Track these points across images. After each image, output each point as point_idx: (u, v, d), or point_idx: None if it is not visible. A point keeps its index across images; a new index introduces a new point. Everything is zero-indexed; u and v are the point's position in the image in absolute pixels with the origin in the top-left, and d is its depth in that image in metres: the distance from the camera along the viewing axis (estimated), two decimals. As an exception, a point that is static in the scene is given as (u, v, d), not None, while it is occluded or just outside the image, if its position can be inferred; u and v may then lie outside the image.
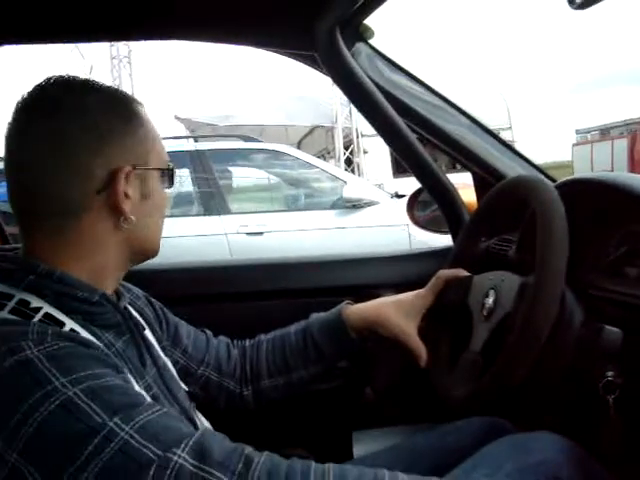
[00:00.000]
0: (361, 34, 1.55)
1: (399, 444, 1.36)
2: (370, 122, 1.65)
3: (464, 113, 1.71)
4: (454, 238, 1.79)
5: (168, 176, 1.05)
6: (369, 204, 5.53)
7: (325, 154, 11.99)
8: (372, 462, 1.32)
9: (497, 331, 1.14)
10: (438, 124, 1.67)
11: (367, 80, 1.55)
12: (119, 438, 0.76)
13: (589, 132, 29.70)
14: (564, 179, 1.45)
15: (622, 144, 26.11)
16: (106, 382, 0.81)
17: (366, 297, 1.63)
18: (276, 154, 6.15)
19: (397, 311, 1.34)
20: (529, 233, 1.53)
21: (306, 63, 1.62)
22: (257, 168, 6.53)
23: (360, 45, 1.57)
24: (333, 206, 5.72)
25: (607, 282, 1.26)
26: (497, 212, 1.35)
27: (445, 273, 1.35)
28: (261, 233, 5.37)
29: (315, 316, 1.40)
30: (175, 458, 0.77)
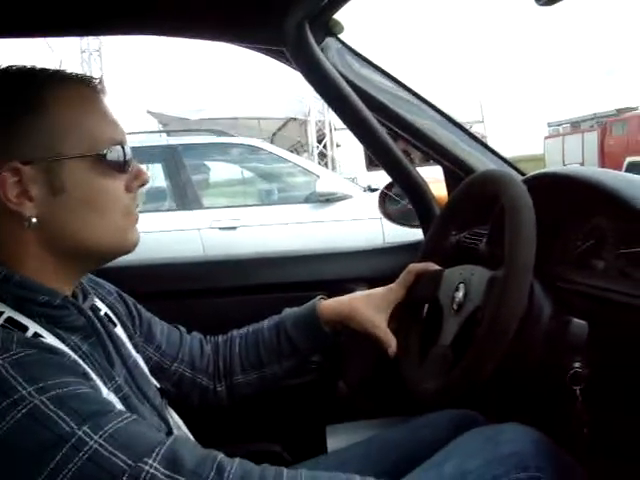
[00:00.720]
0: (331, 29, 1.55)
1: (372, 437, 1.37)
2: (340, 117, 1.65)
3: (434, 107, 1.72)
4: (425, 232, 1.80)
5: (107, 163, 0.95)
6: (342, 198, 5.54)
7: (298, 147, 11.98)
8: (345, 456, 1.33)
9: (467, 325, 1.15)
10: (408, 118, 1.68)
11: (337, 75, 1.54)
12: (88, 447, 0.75)
13: (560, 125, 29.98)
14: (533, 173, 1.47)
15: (592, 137, 26.45)
16: (74, 390, 0.80)
17: (339, 292, 1.63)
18: (249, 148, 6.14)
19: (368, 305, 1.34)
20: (499, 227, 1.55)
21: (276, 58, 1.61)
22: (230, 162, 6.52)
23: (330, 40, 1.57)
24: (306, 200, 5.73)
25: (575, 274, 1.28)
26: (467, 206, 1.36)
27: (416, 267, 1.35)
28: (234, 228, 5.36)
29: (288, 311, 1.40)
30: (147, 468, 0.77)
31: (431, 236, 1.44)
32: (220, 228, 5.35)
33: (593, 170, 1.39)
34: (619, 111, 26.69)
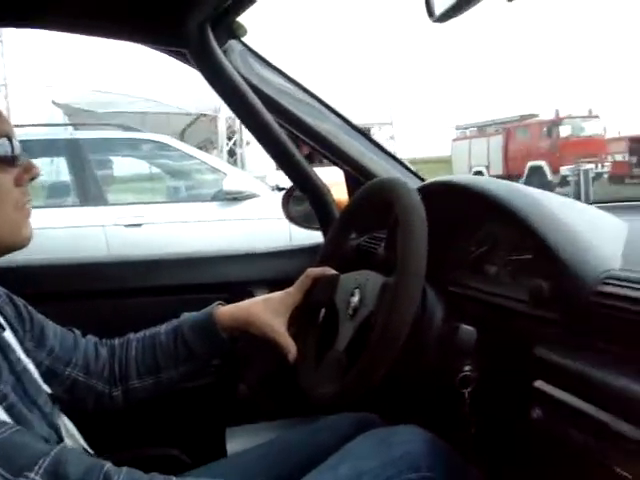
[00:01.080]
0: (234, 31, 1.54)
1: (272, 440, 1.37)
2: (241, 119, 1.64)
3: (336, 112, 1.74)
4: (325, 235, 1.83)
5: None
6: (249, 197, 5.50)
7: (208, 144, 11.84)
8: (245, 458, 1.33)
9: (361, 330, 1.17)
10: (310, 122, 1.69)
11: (238, 77, 1.54)
12: None
13: (467, 128, 30.87)
14: (429, 181, 1.51)
15: (497, 141, 27.41)
16: None
17: (241, 294, 1.63)
18: (156, 144, 6.02)
19: (266, 309, 1.34)
20: (395, 233, 1.59)
21: (177, 58, 1.59)
22: (136, 158, 6.38)
23: (233, 42, 1.56)
24: (213, 198, 5.65)
25: (469, 279, 1.32)
26: (365, 211, 1.38)
27: (313, 271, 1.36)
28: (139, 225, 5.25)
29: (186, 315, 1.39)
30: None
31: (329, 240, 1.46)
32: (125, 225, 5.22)
33: (486, 180, 1.44)
34: (522, 117, 27.76)
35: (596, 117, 25.74)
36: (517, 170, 26.11)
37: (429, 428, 1.16)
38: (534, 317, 1.12)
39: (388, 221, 1.47)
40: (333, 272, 1.35)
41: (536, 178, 25.07)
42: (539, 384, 1.04)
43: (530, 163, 25.66)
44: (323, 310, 1.35)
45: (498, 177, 24.37)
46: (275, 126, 1.61)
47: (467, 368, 1.16)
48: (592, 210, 1.33)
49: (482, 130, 29.50)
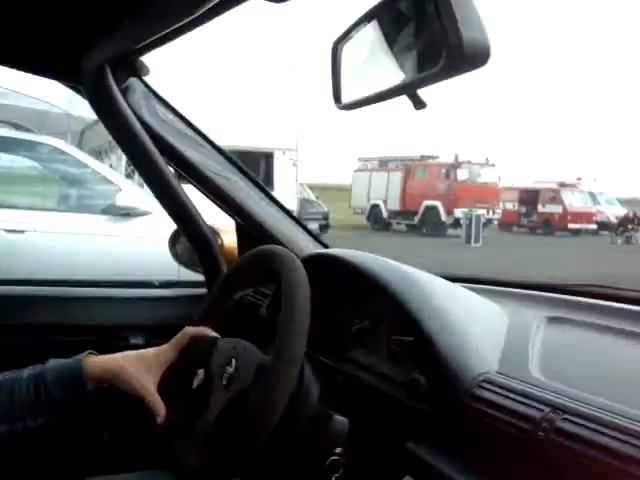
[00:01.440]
0: (136, 70, 1.47)
1: None
2: (130, 158, 1.56)
3: (237, 165, 1.69)
4: (209, 287, 1.76)
5: None
6: (142, 214, 5.29)
7: (107, 149, 11.47)
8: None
9: (234, 403, 1.12)
10: (206, 173, 1.63)
11: (132, 117, 1.46)
12: None
13: (369, 161, 31.57)
14: (316, 252, 1.49)
15: (397, 176, 28.19)
16: None
17: (113, 338, 1.55)
18: (48, 147, 5.73)
19: (138, 365, 1.27)
20: (279, 299, 1.55)
21: (74, 90, 1.50)
22: (26, 160, 6.06)
23: (133, 80, 1.49)
24: (104, 211, 5.41)
25: (349, 352, 1.30)
26: (252, 274, 1.34)
27: (191, 330, 1.30)
28: (22, 231, 4.97)
29: (52, 362, 1.30)
30: None
31: (213, 297, 1.40)
32: (6, 230, 4.94)
33: (371, 258, 1.43)
34: (423, 157, 28.71)
35: (492, 165, 26.98)
36: (413, 207, 26.95)
37: None
38: (410, 409, 1.11)
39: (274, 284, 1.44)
40: (212, 334, 1.29)
41: (430, 217, 25.95)
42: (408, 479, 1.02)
43: (426, 202, 26.54)
44: (199, 373, 1.29)
45: (394, 212, 24.95)
46: (163, 167, 1.54)
47: (338, 451, 1.13)
48: (475, 298, 1.33)
49: (383, 164, 30.25)
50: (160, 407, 1.24)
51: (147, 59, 1.45)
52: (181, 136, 1.59)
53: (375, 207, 28.65)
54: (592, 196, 29.14)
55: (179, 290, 1.94)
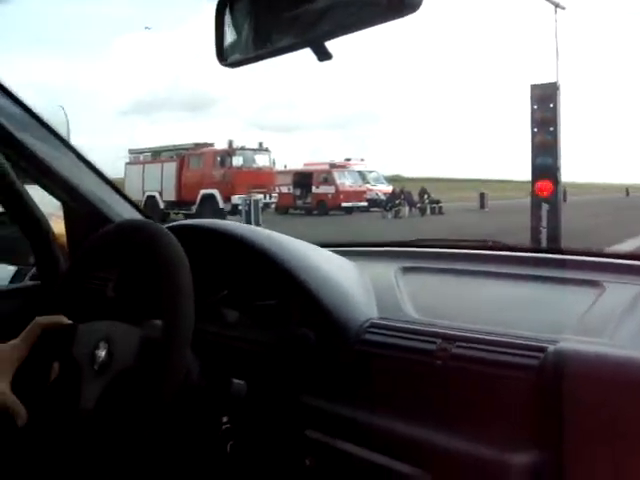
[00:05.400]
0: None
1: None
2: None
3: (61, 138, 1.57)
4: (43, 275, 1.63)
5: None
6: None
7: None
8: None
9: (114, 386, 1.06)
10: (30, 147, 1.50)
11: None
12: None
13: (142, 153, 30.70)
14: (172, 224, 1.44)
15: (172, 167, 27.69)
16: None
17: None
18: None
19: None
20: (130, 274, 1.48)
21: None
22: None
23: None
24: None
25: (207, 324, 1.28)
26: (110, 252, 1.26)
27: (42, 320, 1.19)
28: None
29: None
30: None
31: (64, 282, 1.30)
32: None
33: (228, 223, 1.42)
34: (197, 145, 28.45)
35: (266, 150, 27.45)
36: (190, 197, 26.68)
37: None
38: (296, 365, 1.12)
39: (120, 259, 1.37)
40: (67, 321, 1.19)
41: (208, 206, 25.87)
42: (310, 433, 1.04)
43: (203, 191, 26.40)
44: (54, 366, 1.19)
45: (171, 203, 24.34)
46: None
47: (225, 420, 1.12)
48: (337, 257, 1.38)
49: (156, 155, 29.58)
50: (19, 408, 1.13)
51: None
52: (4, 111, 1.44)
53: (151, 198, 27.95)
54: (362, 175, 30.89)
55: (7, 284, 1.77)
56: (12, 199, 1.54)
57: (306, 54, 0.79)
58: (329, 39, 0.76)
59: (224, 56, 0.88)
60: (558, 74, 10.25)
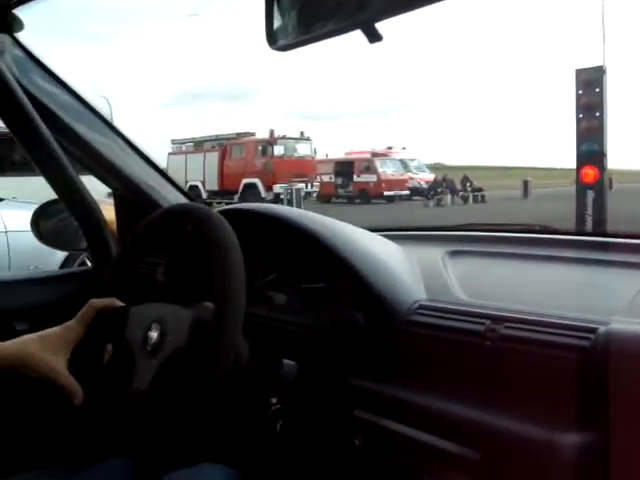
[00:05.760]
0: (8, 25, 1.35)
1: None
2: (5, 120, 1.42)
3: (116, 130, 1.61)
4: (95, 258, 1.67)
5: None
6: None
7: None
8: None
9: (166, 367, 1.09)
10: (84, 135, 1.54)
11: (8, 75, 1.34)
12: None
13: (184, 143, 31.01)
14: (225, 207, 1.46)
15: (214, 157, 27.94)
16: None
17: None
18: None
19: (43, 347, 1.17)
20: (180, 258, 1.51)
21: None
22: None
23: (5, 38, 1.36)
24: None
25: (255, 308, 1.30)
26: (158, 237, 1.28)
27: (97, 303, 1.22)
28: None
29: None
30: None
31: (117, 266, 1.33)
32: None
33: (277, 207, 1.44)
34: (239, 135, 28.61)
35: (308, 139, 27.48)
36: (232, 186, 26.86)
37: (231, 464, 1.12)
38: (345, 347, 1.14)
39: (170, 244, 1.39)
40: (120, 304, 1.22)
41: (250, 195, 26.03)
42: (358, 413, 1.05)
43: (245, 180, 26.57)
44: (108, 348, 1.23)
45: (213, 192, 24.52)
46: (46, 134, 1.43)
47: (274, 400, 1.13)
48: (385, 240, 1.39)
49: (199, 145, 29.85)
50: (75, 387, 1.17)
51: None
52: (57, 100, 1.48)
53: (194, 188, 28.26)
54: (403, 164, 30.72)
55: (62, 269, 1.82)
56: (66, 187, 1.59)
57: (351, 38, 0.80)
58: (379, 20, 0.76)
59: (274, 40, 0.89)
60: (605, 58, 10.03)
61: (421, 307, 1.08)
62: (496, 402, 0.92)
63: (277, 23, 0.89)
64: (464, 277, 1.21)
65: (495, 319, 0.97)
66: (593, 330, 0.87)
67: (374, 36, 0.77)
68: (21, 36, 1.39)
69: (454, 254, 1.35)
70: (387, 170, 29.63)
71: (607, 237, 1.37)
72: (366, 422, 1.04)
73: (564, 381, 0.87)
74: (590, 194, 9.25)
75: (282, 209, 1.41)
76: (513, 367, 0.93)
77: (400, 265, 1.24)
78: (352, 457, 1.05)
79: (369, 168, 29.67)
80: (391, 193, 28.57)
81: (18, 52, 1.41)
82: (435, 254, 1.34)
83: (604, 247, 1.29)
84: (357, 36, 0.78)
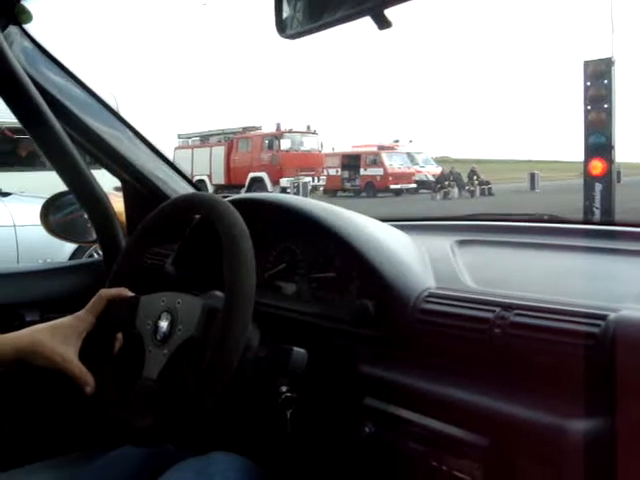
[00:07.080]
0: (16, 16, 1.35)
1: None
2: (15, 113, 1.43)
3: (124, 121, 1.62)
4: (104, 250, 1.68)
5: None
6: None
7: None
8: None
9: (177, 356, 1.09)
10: (92, 127, 1.55)
11: (19, 68, 1.34)
12: None
13: (190, 137, 31.03)
14: (235, 197, 1.47)
15: (220, 151, 27.96)
16: None
17: (8, 318, 1.44)
18: None
19: (54, 337, 1.18)
20: (189, 248, 1.52)
21: None
22: None
23: (13, 29, 1.36)
24: None
25: (265, 297, 1.30)
26: (167, 227, 1.29)
27: (107, 293, 1.22)
28: None
29: None
30: None
31: (126, 256, 1.33)
32: None
33: (287, 197, 1.44)
34: (245, 129, 28.59)
35: (314, 133, 27.45)
36: (239, 180, 26.87)
37: (245, 453, 1.12)
38: (354, 335, 1.14)
39: (179, 234, 1.39)
40: (130, 294, 1.23)
41: (257, 188, 26.04)
42: (368, 401, 1.06)
43: (251, 174, 26.58)
44: (118, 337, 1.23)
45: (220, 186, 24.51)
46: (54, 123, 1.43)
47: (284, 389, 1.14)
48: (393, 229, 1.39)
49: (205, 140, 29.85)
50: (86, 376, 1.18)
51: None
52: (66, 92, 1.49)
53: (200, 182, 28.27)
54: (410, 157, 30.67)
55: (71, 261, 1.83)
56: (75, 179, 1.59)
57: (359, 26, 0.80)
58: (388, 7, 0.76)
59: (283, 28, 0.89)
60: (613, 49, 9.97)
61: (431, 295, 1.08)
62: (505, 389, 0.92)
63: (286, 11, 0.89)
64: (473, 266, 1.21)
65: (505, 306, 0.97)
66: (603, 317, 0.87)
67: (383, 23, 0.78)
68: (30, 27, 1.39)
69: (463, 243, 1.35)
70: (394, 163, 29.57)
71: (616, 226, 1.37)
72: (376, 410, 1.04)
73: (574, 368, 0.87)
74: (598, 187, 9.21)
75: (292, 198, 1.41)
76: (523, 354, 0.93)
77: (409, 253, 1.24)
78: (362, 445, 1.05)
79: (376, 161, 29.63)
80: (398, 186, 28.52)
81: (27, 43, 1.41)
82: (444, 243, 1.34)
83: (613, 235, 1.29)
84: (366, 23, 0.79)
